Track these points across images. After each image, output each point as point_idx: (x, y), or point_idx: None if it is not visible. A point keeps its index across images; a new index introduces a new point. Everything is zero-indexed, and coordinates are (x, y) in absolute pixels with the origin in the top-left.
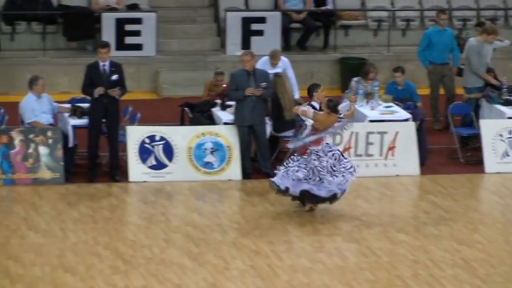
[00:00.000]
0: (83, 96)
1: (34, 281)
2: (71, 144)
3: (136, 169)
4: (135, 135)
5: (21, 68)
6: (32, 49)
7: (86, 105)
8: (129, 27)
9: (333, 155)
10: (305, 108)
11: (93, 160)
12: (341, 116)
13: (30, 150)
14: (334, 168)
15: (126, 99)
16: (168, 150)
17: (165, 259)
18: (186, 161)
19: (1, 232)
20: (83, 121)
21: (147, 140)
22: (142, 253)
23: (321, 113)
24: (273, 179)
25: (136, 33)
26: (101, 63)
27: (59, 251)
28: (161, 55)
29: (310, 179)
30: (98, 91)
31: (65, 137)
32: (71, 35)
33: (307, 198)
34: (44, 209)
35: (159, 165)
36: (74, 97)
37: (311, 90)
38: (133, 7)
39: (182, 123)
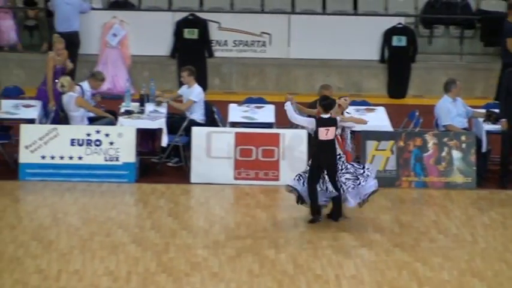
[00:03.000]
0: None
1: (441, 284)
2: (484, 149)
3: None
4: None
5: (438, 72)
6: (449, 53)
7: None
8: None
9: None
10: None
11: (505, 166)
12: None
13: (443, 154)
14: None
15: None
16: None
17: None
18: None
19: (411, 234)
20: (497, 127)
21: None
22: None
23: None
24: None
25: None
26: None
27: (468, 255)
28: None
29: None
30: None
31: (479, 141)
32: (488, 40)
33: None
34: (454, 213)
35: None
36: (489, 102)
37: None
38: None
39: None
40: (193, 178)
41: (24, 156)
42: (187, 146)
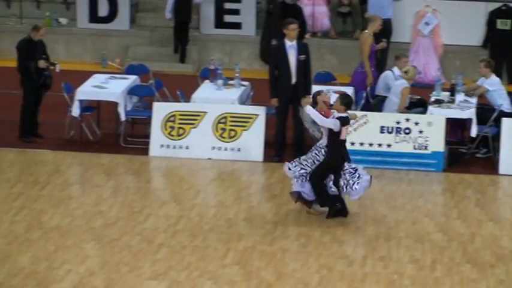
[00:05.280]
0: None
1: None
2: None
3: None
4: None
5: None
6: None
7: None
8: None
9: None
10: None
11: None
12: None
13: None
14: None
15: None
16: None
17: None
18: None
19: None
20: None
21: None
22: None
23: None
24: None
25: None
26: None
27: None
28: None
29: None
30: None
31: None
32: None
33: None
34: None
35: None
36: None
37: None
38: None
39: None
40: (502, 169)
41: None
42: (497, 136)
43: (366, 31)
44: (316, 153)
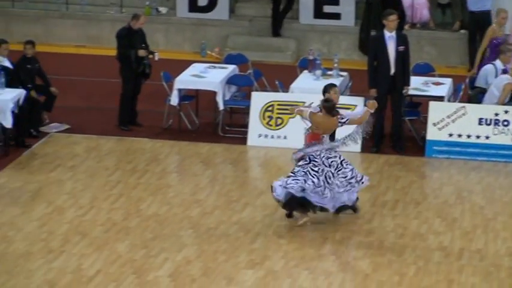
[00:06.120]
0: None
1: None
2: None
3: None
4: None
5: None
6: None
7: None
8: None
9: (331, 163)
10: (303, 107)
11: None
12: (343, 120)
13: None
14: (329, 181)
15: None
16: None
17: None
18: None
19: None
20: None
21: None
22: None
23: (320, 114)
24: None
25: None
26: None
27: None
28: None
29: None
30: None
31: None
32: None
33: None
34: None
35: None
36: None
37: (325, 90)
38: None
39: None
40: None
41: (432, 133)
42: None
43: (493, 24)
44: (327, 157)
